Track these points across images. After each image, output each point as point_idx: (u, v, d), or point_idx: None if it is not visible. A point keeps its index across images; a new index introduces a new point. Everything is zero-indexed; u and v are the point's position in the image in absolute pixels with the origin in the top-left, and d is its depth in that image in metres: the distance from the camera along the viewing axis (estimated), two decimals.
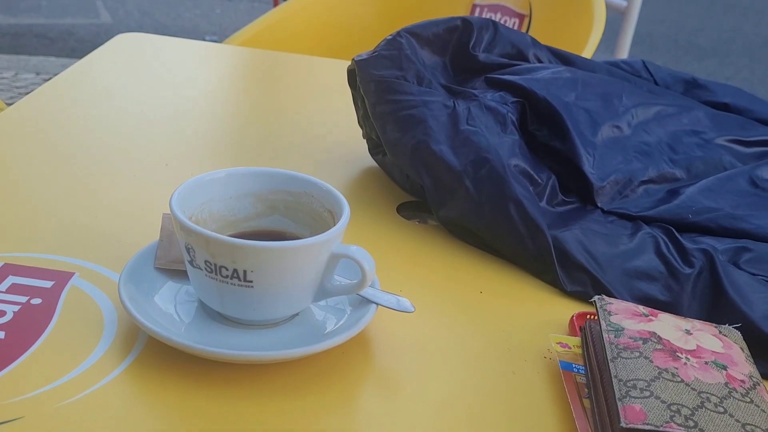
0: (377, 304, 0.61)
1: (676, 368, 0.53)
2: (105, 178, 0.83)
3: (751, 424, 0.49)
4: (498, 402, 0.57)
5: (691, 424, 0.49)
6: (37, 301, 0.61)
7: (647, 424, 0.48)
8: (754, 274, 0.71)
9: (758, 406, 0.51)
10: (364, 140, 0.92)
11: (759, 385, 0.54)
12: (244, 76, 1.29)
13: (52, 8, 4.67)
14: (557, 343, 0.61)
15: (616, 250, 0.73)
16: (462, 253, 0.76)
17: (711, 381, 0.52)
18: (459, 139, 0.78)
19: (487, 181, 0.75)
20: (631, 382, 0.52)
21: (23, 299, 0.61)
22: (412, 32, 0.88)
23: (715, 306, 0.68)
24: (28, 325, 0.58)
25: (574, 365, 0.59)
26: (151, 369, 0.56)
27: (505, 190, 0.74)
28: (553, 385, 0.59)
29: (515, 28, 1.64)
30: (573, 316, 0.66)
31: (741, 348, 0.58)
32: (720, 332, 0.59)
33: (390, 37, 0.87)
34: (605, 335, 0.57)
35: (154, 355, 0.57)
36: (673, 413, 0.49)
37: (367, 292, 0.61)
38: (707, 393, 0.51)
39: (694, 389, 0.51)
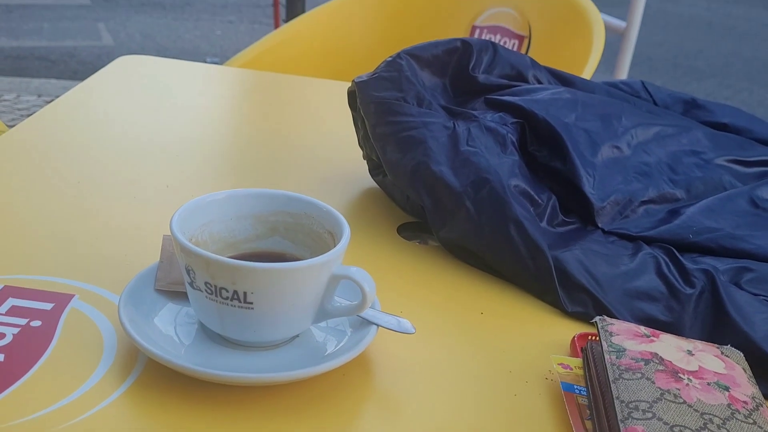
0: (378, 325, 0.61)
1: (679, 389, 0.53)
2: (105, 200, 0.83)
3: None
4: (500, 424, 0.57)
5: None
6: (36, 323, 0.61)
7: None
8: (755, 294, 0.71)
9: (761, 428, 0.51)
10: (365, 161, 0.92)
11: (762, 406, 0.53)
12: (244, 97, 1.29)
13: (53, 31, 4.69)
14: (559, 365, 0.61)
15: (617, 271, 0.73)
16: (463, 274, 0.76)
17: (713, 402, 0.52)
18: (459, 159, 0.78)
19: (487, 201, 0.75)
20: (633, 404, 0.52)
21: (23, 321, 0.61)
22: (412, 54, 0.88)
23: (716, 326, 0.68)
24: (28, 348, 0.58)
25: (575, 386, 0.58)
26: (151, 391, 0.55)
27: (506, 210, 0.74)
28: (555, 406, 0.59)
29: (515, 49, 1.65)
30: (574, 337, 0.65)
31: (743, 369, 0.58)
32: (722, 353, 0.59)
33: (390, 58, 0.87)
34: (607, 356, 0.57)
35: (154, 377, 0.57)
36: None
37: (367, 313, 0.61)
38: (710, 414, 0.51)
39: (696, 410, 0.51)
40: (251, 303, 0.55)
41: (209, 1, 5.95)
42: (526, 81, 0.95)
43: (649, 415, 0.50)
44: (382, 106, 0.83)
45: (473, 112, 0.85)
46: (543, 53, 1.60)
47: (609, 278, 0.72)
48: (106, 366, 0.57)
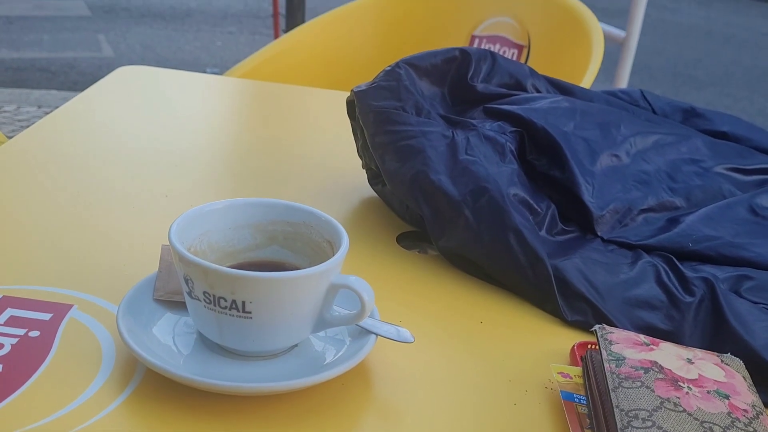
0: (377, 334, 0.60)
1: (678, 398, 0.53)
2: (104, 210, 0.83)
3: None
4: None
5: None
6: (35, 333, 0.61)
7: None
8: (755, 303, 0.71)
9: None
10: (364, 170, 0.92)
11: (762, 414, 0.53)
12: (244, 107, 1.29)
13: (54, 42, 4.71)
14: (558, 373, 0.60)
15: (617, 279, 0.73)
16: (462, 283, 0.76)
17: (713, 410, 0.52)
18: (458, 168, 0.78)
19: (486, 210, 0.75)
20: (633, 412, 0.51)
21: (21, 332, 0.61)
22: (411, 63, 0.89)
23: (716, 335, 0.68)
24: (26, 358, 0.58)
25: (575, 395, 0.58)
26: (149, 401, 0.55)
27: (505, 219, 0.74)
28: (555, 415, 0.58)
29: (514, 58, 1.65)
30: (574, 346, 0.65)
31: (743, 377, 0.58)
32: (722, 361, 0.59)
33: (389, 68, 0.87)
34: (606, 365, 0.56)
35: (153, 387, 0.56)
36: None
37: (366, 322, 0.61)
38: (710, 423, 0.51)
39: (696, 419, 0.51)
40: (250, 312, 0.55)
41: (209, 12, 5.96)
42: (525, 90, 0.95)
43: (649, 423, 0.50)
44: (381, 115, 0.83)
45: (472, 121, 0.85)
46: (542, 63, 1.60)
47: (608, 287, 0.72)
48: (105, 376, 0.57)
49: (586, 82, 1.47)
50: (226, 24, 5.63)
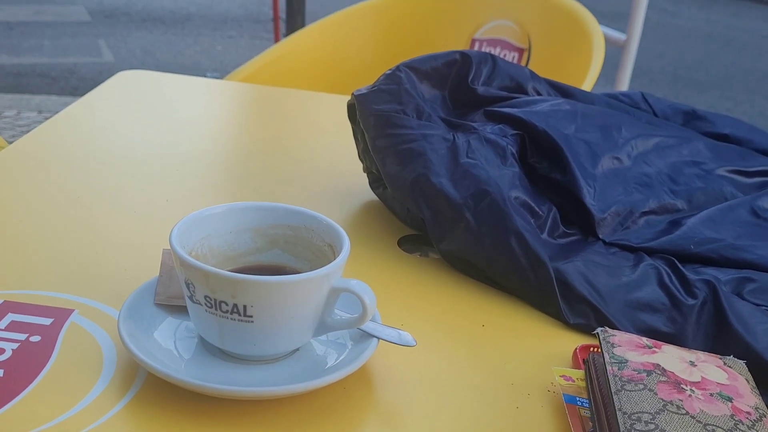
0: (378, 338, 0.60)
1: (681, 400, 0.52)
2: (104, 215, 0.82)
3: None
4: None
5: None
6: (36, 338, 0.61)
7: None
8: (757, 305, 0.71)
9: None
10: (365, 174, 0.92)
11: (765, 416, 0.53)
12: (244, 111, 1.29)
13: (54, 48, 4.71)
14: (561, 377, 0.60)
15: (619, 282, 0.73)
16: (463, 286, 0.76)
17: (716, 413, 0.52)
18: (459, 171, 0.78)
19: (487, 213, 0.75)
20: (636, 415, 0.51)
21: (22, 336, 0.61)
22: (411, 66, 0.88)
23: (719, 337, 0.68)
24: (27, 363, 0.58)
25: (578, 398, 0.58)
26: (150, 405, 0.55)
27: (506, 222, 0.74)
28: (557, 419, 0.58)
29: (515, 62, 1.65)
30: (576, 349, 0.65)
31: (746, 379, 0.57)
32: (725, 363, 0.59)
33: (389, 71, 0.87)
34: (609, 368, 0.56)
35: (154, 391, 0.56)
36: None
37: (368, 326, 0.61)
38: (713, 425, 0.51)
39: (699, 422, 0.51)
40: (251, 316, 0.55)
41: (210, 16, 5.97)
42: (526, 93, 0.95)
43: (652, 426, 0.50)
44: (382, 118, 0.83)
45: (473, 124, 0.85)
46: (543, 66, 1.60)
47: (610, 289, 0.72)
48: (106, 381, 0.57)
49: (587, 85, 1.47)
50: (226, 28, 5.64)
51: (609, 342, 0.59)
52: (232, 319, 0.55)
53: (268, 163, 1.02)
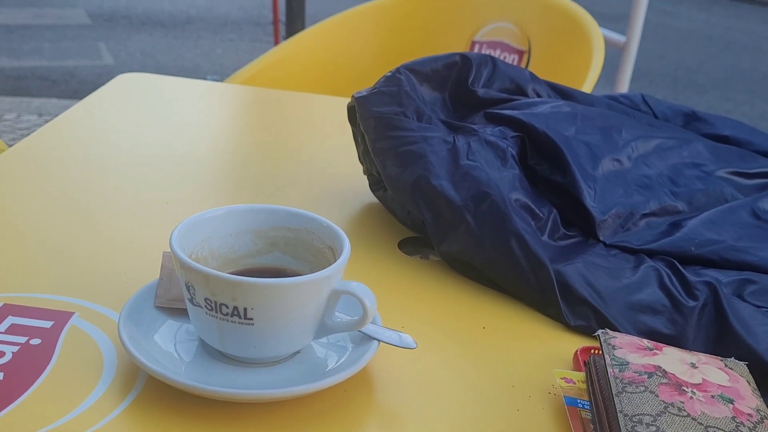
0: (379, 340, 0.60)
1: (682, 402, 0.52)
2: (105, 218, 0.82)
3: None
4: None
5: None
6: (36, 341, 0.61)
7: None
8: (758, 306, 0.71)
9: None
10: (365, 176, 0.92)
11: (766, 418, 0.53)
12: (244, 114, 1.29)
13: (54, 51, 4.71)
14: (562, 379, 0.60)
15: (619, 284, 0.73)
16: (464, 288, 0.76)
17: (718, 415, 0.52)
18: (459, 174, 0.78)
19: (488, 215, 0.75)
20: (637, 417, 0.51)
21: (22, 340, 0.61)
22: (411, 69, 0.88)
23: (720, 339, 0.68)
24: (28, 366, 0.58)
25: (579, 401, 0.58)
26: (151, 408, 0.55)
27: (507, 224, 0.74)
28: (559, 421, 0.58)
29: (515, 64, 1.65)
30: (577, 351, 0.65)
31: (747, 381, 0.57)
32: (726, 365, 0.59)
33: (389, 73, 0.87)
34: (610, 370, 0.56)
35: (154, 394, 0.56)
36: None
37: (368, 328, 0.61)
38: (714, 427, 0.50)
39: (701, 423, 0.51)
40: (251, 319, 0.55)
41: (210, 19, 5.97)
42: (526, 95, 0.95)
43: (653, 428, 0.50)
44: (382, 121, 0.83)
45: (473, 126, 0.85)
46: (543, 68, 1.60)
47: (611, 291, 0.72)
48: (106, 383, 0.57)
49: (587, 87, 1.47)
50: (226, 31, 5.64)
51: (610, 344, 0.59)
52: (232, 321, 0.55)
53: (268, 166, 1.02)
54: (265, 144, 1.11)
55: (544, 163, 0.84)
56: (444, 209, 0.77)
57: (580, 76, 1.51)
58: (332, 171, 1.01)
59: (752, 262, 0.78)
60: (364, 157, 0.89)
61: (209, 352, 0.60)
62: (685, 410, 0.52)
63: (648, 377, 0.55)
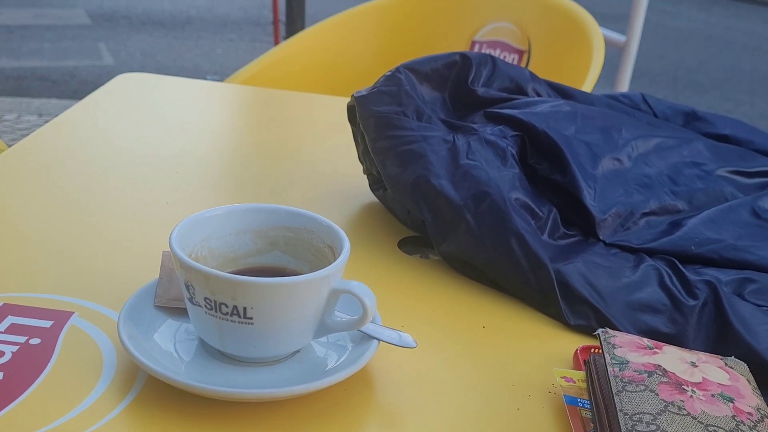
0: (379, 339, 0.60)
1: (683, 401, 0.52)
2: (104, 217, 0.82)
3: None
4: None
5: None
6: (36, 341, 0.61)
7: None
8: (758, 305, 0.71)
9: None
10: (365, 176, 0.92)
11: (767, 417, 0.53)
12: (244, 113, 1.29)
13: (54, 51, 4.71)
14: (562, 378, 0.60)
15: (619, 283, 0.73)
16: (464, 287, 0.76)
17: (718, 414, 0.52)
18: (459, 173, 0.78)
19: (488, 215, 0.75)
20: (637, 416, 0.51)
21: (22, 339, 0.61)
22: (411, 68, 0.88)
23: (720, 338, 0.68)
24: (27, 366, 0.58)
25: (579, 400, 0.58)
26: (151, 408, 0.55)
27: (507, 223, 0.74)
28: (559, 420, 0.58)
29: (514, 63, 1.65)
30: (577, 350, 0.65)
31: (747, 380, 0.57)
32: (726, 364, 0.58)
33: (389, 73, 0.87)
34: (610, 368, 0.56)
35: (154, 394, 0.56)
36: None
37: (368, 327, 0.60)
38: (714, 426, 0.50)
39: (701, 422, 0.51)
40: (251, 318, 0.55)
41: (210, 19, 5.97)
42: (526, 94, 0.95)
43: (653, 427, 0.50)
44: (382, 120, 0.83)
45: (473, 125, 0.85)
46: (543, 68, 1.60)
47: (611, 290, 0.72)
48: (106, 383, 0.57)
49: (587, 87, 1.47)
50: (226, 31, 5.64)
51: (610, 343, 0.59)
52: (232, 321, 0.55)
53: (267, 165, 1.02)
54: (265, 144, 1.11)
55: (544, 163, 0.84)
56: (444, 209, 0.77)
57: (580, 76, 1.51)
58: (332, 170, 1.01)
59: (752, 261, 0.78)
60: (364, 156, 0.89)
61: (209, 351, 0.60)
62: (685, 409, 0.52)
63: (648, 376, 0.55)
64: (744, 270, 0.77)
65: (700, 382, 0.55)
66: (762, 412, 0.53)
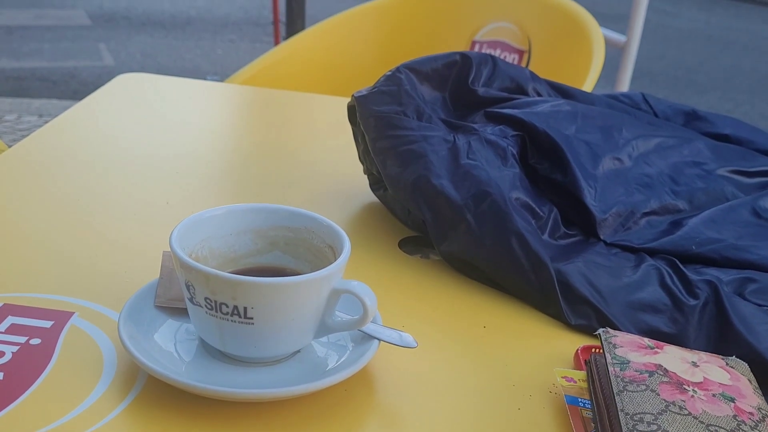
0: (379, 339, 0.60)
1: (684, 401, 0.52)
2: (105, 217, 0.82)
3: None
4: None
5: None
6: (36, 341, 0.61)
7: None
8: (759, 305, 0.71)
9: None
10: (365, 176, 0.92)
11: None
12: (245, 113, 1.29)
13: (54, 52, 4.71)
14: (562, 378, 0.60)
15: (620, 283, 0.73)
16: (465, 287, 0.76)
17: (719, 414, 0.52)
18: (459, 173, 0.78)
19: (488, 214, 0.75)
20: (638, 416, 0.51)
21: (22, 339, 0.61)
22: (412, 68, 0.88)
23: (721, 337, 0.68)
24: (28, 366, 0.58)
25: (580, 399, 0.58)
26: (151, 408, 0.55)
27: (507, 223, 0.74)
28: (559, 420, 0.58)
29: (515, 63, 1.65)
30: (578, 350, 0.65)
31: (749, 380, 0.57)
32: (727, 364, 0.58)
33: (389, 72, 0.87)
34: (611, 368, 0.56)
35: (155, 394, 0.56)
36: None
37: (369, 327, 0.60)
38: (715, 426, 0.50)
39: (702, 422, 0.51)
40: (251, 318, 0.55)
41: (210, 20, 5.97)
42: (526, 94, 0.95)
43: (654, 427, 0.50)
44: (382, 120, 0.83)
45: (473, 125, 0.85)
46: (543, 68, 1.60)
47: (612, 290, 0.71)
48: (106, 383, 0.57)
49: (587, 87, 1.47)
50: (226, 32, 5.64)
51: (611, 343, 0.59)
52: (232, 321, 0.55)
53: (268, 165, 1.02)
54: (265, 144, 1.11)
55: (544, 162, 0.84)
56: (444, 208, 0.77)
57: (580, 76, 1.50)
58: (332, 170, 1.01)
59: (753, 261, 0.78)
60: (364, 156, 0.89)
61: (209, 351, 0.60)
62: (686, 409, 0.52)
63: (649, 376, 0.55)
64: (745, 270, 0.77)
65: (701, 382, 0.55)
66: (763, 411, 0.53)
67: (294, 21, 3.94)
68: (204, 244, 0.61)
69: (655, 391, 0.53)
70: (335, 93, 1.46)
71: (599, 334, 0.61)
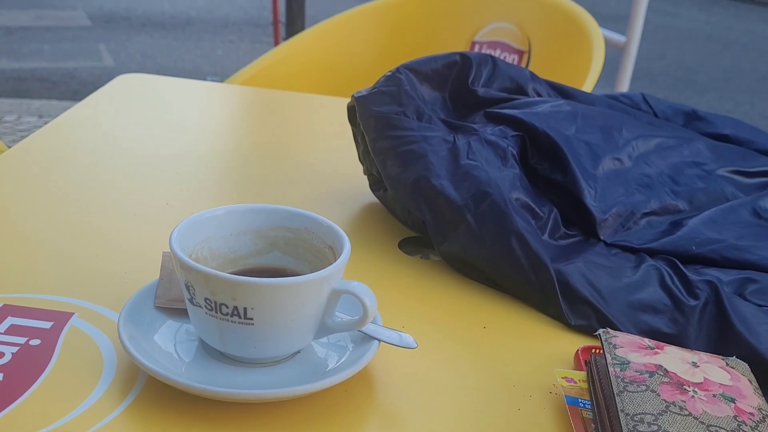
0: (379, 340, 0.60)
1: (684, 401, 0.52)
2: (104, 218, 0.82)
3: None
4: None
5: None
6: (36, 342, 0.61)
7: None
8: (760, 305, 0.71)
9: None
10: (365, 176, 0.92)
11: None
12: (245, 114, 1.29)
13: (54, 52, 4.71)
14: (563, 378, 0.60)
15: (620, 283, 0.72)
16: (465, 288, 0.76)
17: (719, 414, 0.52)
18: (459, 173, 0.78)
19: (488, 215, 0.75)
20: (639, 416, 0.51)
21: (22, 340, 0.61)
22: (411, 68, 0.88)
23: (721, 338, 0.68)
24: (27, 367, 0.58)
25: (580, 400, 0.58)
26: (151, 409, 0.55)
27: (507, 223, 0.74)
28: (560, 420, 0.58)
29: (515, 64, 1.65)
30: (578, 350, 0.65)
31: (749, 380, 0.57)
32: (727, 364, 0.58)
33: (389, 73, 0.87)
34: (611, 369, 0.56)
35: (154, 394, 0.56)
36: None
37: (369, 328, 0.60)
38: (716, 426, 0.50)
39: (702, 423, 0.51)
40: (251, 319, 0.55)
41: (210, 20, 5.97)
42: (526, 94, 0.95)
43: (655, 427, 0.50)
44: (382, 120, 0.83)
45: (473, 125, 0.85)
46: (543, 68, 1.60)
47: (612, 291, 0.71)
48: (106, 384, 0.57)
49: (587, 87, 1.47)
50: (226, 32, 5.64)
51: (611, 343, 0.59)
52: (232, 321, 0.55)
53: (268, 166, 1.02)
54: (265, 144, 1.11)
55: (544, 163, 0.84)
56: (444, 209, 0.77)
57: (580, 76, 1.50)
58: (332, 171, 1.01)
59: (753, 261, 0.77)
60: (364, 156, 0.89)
61: (209, 352, 0.60)
62: (686, 409, 0.51)
63: (649, 376, 0.55)
64: (745, 270, 0.77)
65: (702, 383, 0.55)
66: (764, 412, 0.53)
67: (294, 21, 3.94)
68: (204, 245, 0.61)
69: (655, 392, 0.53)
70: (335, 93, 1.46)
71: (599, 334, 0.61)
